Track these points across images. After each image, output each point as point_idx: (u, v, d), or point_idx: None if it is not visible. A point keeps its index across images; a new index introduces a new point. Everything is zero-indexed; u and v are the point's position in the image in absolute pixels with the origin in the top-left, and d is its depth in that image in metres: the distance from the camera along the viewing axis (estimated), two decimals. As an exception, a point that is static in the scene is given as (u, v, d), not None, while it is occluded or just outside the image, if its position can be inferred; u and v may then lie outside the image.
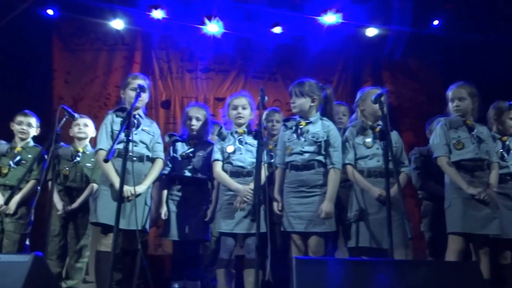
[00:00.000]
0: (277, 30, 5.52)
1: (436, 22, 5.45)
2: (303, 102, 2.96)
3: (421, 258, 3.74)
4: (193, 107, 3.50)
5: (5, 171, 3.52)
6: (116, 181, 2.86)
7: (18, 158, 3.55)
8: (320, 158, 2.90)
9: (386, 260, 2.43)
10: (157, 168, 3.12)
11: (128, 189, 2.87)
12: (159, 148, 3.17)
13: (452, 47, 5.41)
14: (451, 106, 3.15)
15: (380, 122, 3.00)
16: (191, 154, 3.36)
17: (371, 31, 5.61)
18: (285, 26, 5.52)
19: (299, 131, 2.95)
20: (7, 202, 3.36)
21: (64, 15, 5.48)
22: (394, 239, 2.50)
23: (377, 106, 2.79)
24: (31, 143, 3.68)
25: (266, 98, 2.76)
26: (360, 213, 2.89)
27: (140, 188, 2.95)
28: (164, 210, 3.31)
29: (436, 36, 5.40)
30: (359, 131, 3.02)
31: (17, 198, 3.46)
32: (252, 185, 2.97)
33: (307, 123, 2.96)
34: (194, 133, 3.42)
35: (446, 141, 3.05)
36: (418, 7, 5.13)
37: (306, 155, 2.90)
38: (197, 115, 3.41)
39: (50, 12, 5.37)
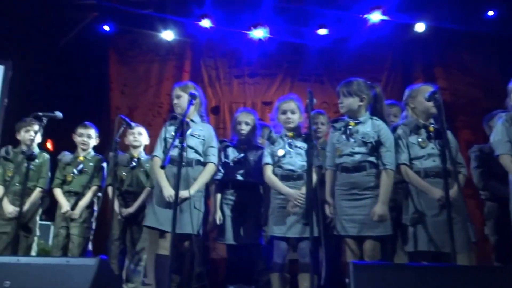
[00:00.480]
0: (323, 31, 5.49)
1: (491, 13, 5.20)
2: (351, 102, 2.89)
3: (486, 264, 3.55)
4: (242, 113, 3.56)
5: (69, 178, 3.74)
6: (165, 185, 2.99)
7: (81, 166, 3.75)
8: (372, 159, 2.82)
9: (448, 265, 2.31)
10: (206, 172, 3.13)
11: (172, 194, 2.92)
12: (211, 152, 3.18)
13: (508, 38, 5.13)
14: (513, 100, 2.98)
15: (432, 121, 2.90)
16: (242, 159, 3.42)
17: (420, 27, 5.45)
18: (331, 27, 5.49)
19: (348, 131, 2.89)
20: (73, 208, 3.60)
21: (119, 30, 5.81)
22: (457, 243, 2.40)
23: (430, 103, 2.70)
24: (92, 153, 3.88)
25: (314, 100, 2.73)
26: (417, 215, 2.79)
27: (185, 193, 2.96)
28: (218, 214, 3.37)
29: (491, 27, 5.16)
30: (412, 130, 2.91)
31: (81, 203, 3.65)
32: (303, 189, 2.96)
33: (356, 123, 2.89)
34: (244, 137, 3.47)
35: (508, 137, 2.88)
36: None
37: (357, 156, 2.83)
38: (246, 120, 3.47)
39: (106, 28, 5.73)
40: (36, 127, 3.73)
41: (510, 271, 2.30)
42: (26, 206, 3.59)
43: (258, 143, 3.55)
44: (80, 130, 3.85)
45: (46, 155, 3.87)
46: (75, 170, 3.73)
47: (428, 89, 2.78)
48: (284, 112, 3.16)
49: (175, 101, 3.23)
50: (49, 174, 3.83)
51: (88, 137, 3.84)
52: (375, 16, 5.20)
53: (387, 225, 2.76)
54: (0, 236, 3.63)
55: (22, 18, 5.38)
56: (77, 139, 3.85)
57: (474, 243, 2.54)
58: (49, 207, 3.98)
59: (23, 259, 2.24)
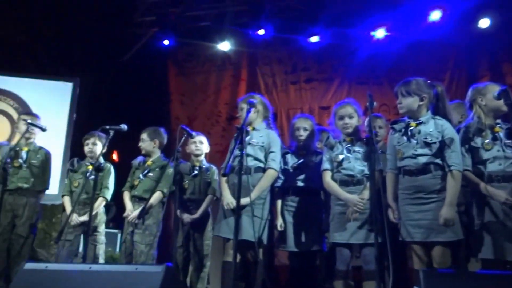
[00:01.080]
0: (380, 33, 5.37)
1: None
2: (410, 102, 2.77)
3: None
4: (299, 118, 3.54)
5: (136, 183, 3.84)
6: (224, 194, 3.12)
7: (146, 171, 3.85)
8: (437, 160, 2.69)
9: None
10: (265, 178, 3.14)
11: (230, 201, 3.02)
12: (271, 157, 3.19)
13: None
14: None
15: (498, 121, 2.74)
16: (302, 165, 3.39)
17: (485, 22, 5.16)
18: (389, 28, 5.36)
19: (409, 133, 2.78)
20: (140, 216, 3.60)
21: (177, 44, 6.06)
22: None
23: (501, 102, 2.54)
24: (161, 157, 3.95)
25: (374, 103, 2.67)
26: (489, 220, 2.63)
27: (244, 200, 2.97)
28: (280, 221, 3.34)
29: None
30: (475, 133, 2.76)
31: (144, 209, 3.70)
32: (364, 194, 2.90)
33: (418, 124, 2.77)
34: (302, 143, 3.44)
35: None
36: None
37: (420, 158, 2.71)
38: (304, 126, 3.44)
39: (166, 42, 5.99)
40: (96, 139, 3.91)
41: None
42: (87, 215, 3.69)
43: (317, 148, 3.52)
44: (140, 136, 3.93)
45: (110, 166, 3.99)
46: (140, 175, 3.84)
47: (496, 87, 2.64)
48: (342, 118, 3.11)
49: (239, 114, 3.35)
50: (113, 184, 3.95)
51: (142, 141, 3.92)
52: (435, 15, 5.00)
53: (457, 230, 2.62)
54: (63, 243, 3.79)
55: (88, 38, 5.76)
56: (140, 145, 3.93)
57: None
58: (116, 215, 4.13)
59: (94, 267, 2.30)
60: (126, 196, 3.85)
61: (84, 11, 5.58)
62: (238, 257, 2.92)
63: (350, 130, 3.10)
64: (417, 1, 5.03)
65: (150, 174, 3.83)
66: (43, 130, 3.85)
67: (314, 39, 5.44)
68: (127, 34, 6.00)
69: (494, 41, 5.29)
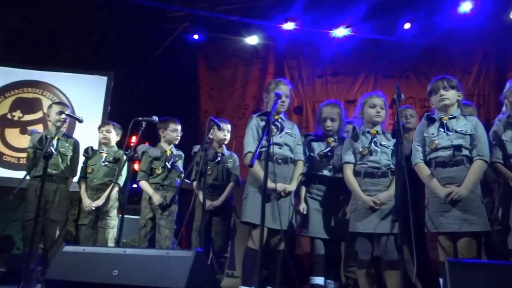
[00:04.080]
0: (407, 25, 5.33)
1: None
2: (454, 95, 2.84)
3: None
4: (327, 106, 3.47)
5: (158, 172, 3.90)
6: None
7: (172, 160, 3.90)
8: (469, 153, 2.73)
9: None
10: (300, 169, 3.21)
11: (280, 185, 3.00)
12: (300, 150, 3.26)
13: None
14: None
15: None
16: (329, 153, 3.36)
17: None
18: (416, 21, 5.30)
19: (445, 124, 2.82)
20: (171, 202, 3.79)
21: (207, 38, 6.17)
22: None
23: None
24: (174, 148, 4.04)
25: (402, 95, 2.65)
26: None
27: (291, 187, 3.07)
28: (303, 205, 3.32)
29: None
30: (506, 126, 2.77)
31: (170, 196, 3.82)
32: (390, 190, 2.90)
33: (450, 118, 2.82)
34: (330, 132, 3.40)
35: None
36: None
37: (454, 150, 2.74)
38: (331, 116, 3.38)
39: (195, 37, 6.12)
40: (110, 127, 4.07)
41: None
42: (101, 201, 3.89)
43: (344, 135, 3.45)
44: (175, 126, 4.00)
45: (124, 155, 3.98)
46: (168, 164, 3.90)
47: None
48: (374, 106, 3.09)
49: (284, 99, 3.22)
50: (125, 172, 4.00)
51: (179, 132, 4.00)
52: (466, 6, 4.92)
53: (486, 221, 2.64)
54: (80, 227, 3.94)
55: (121, 33, 5.94)
56: (172, 134, 3.98)
57: None
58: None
59: (129, 251, 2.39)
60: (146, 184, 3.89)
61: (117, 8, 5.74)
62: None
63: (379, 120, 3.08)
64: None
65: (176, 164, 3.91)
66: (80, 121, 3.91)
67: (341, 32, 5.43)
68: (159, 29, 6.15)
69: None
